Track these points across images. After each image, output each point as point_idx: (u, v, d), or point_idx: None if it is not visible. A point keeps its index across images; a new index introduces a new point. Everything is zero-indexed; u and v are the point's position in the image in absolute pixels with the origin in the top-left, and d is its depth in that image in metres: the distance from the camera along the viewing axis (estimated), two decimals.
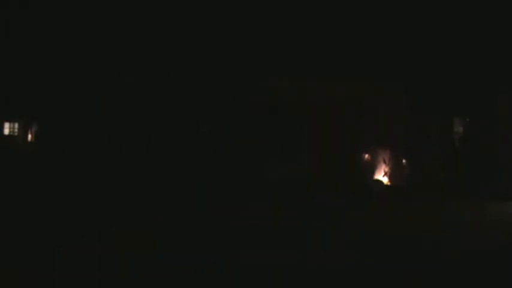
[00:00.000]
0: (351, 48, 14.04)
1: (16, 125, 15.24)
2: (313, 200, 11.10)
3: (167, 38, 14.10)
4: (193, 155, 13.82)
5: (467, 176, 12.89)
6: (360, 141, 14.89)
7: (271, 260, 5.94)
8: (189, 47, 14.08)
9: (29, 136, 15.26)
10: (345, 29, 14.25)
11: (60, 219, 8.13)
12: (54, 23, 13.83)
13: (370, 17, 14.22)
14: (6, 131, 15.17)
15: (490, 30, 12.76)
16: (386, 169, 12.20)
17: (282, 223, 8.64)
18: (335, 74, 14.30)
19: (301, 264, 5.90)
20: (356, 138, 15.33)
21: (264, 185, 12.32)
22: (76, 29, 13.83)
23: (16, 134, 15.22)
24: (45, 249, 6.17)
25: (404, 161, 12.61)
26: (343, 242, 7.27)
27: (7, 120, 15.11)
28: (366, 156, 12.70)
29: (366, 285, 5.28)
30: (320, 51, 14.11)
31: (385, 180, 12.19)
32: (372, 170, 12.36)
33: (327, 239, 7.38)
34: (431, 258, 6.36)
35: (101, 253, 6.04)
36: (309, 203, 10.84)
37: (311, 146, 14.79)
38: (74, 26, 13.86)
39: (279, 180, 12.95)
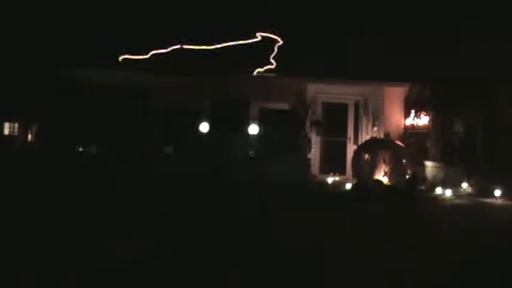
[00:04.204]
0: (352, 49, 14.06)
1: (16, 125, 15.24)
2: None
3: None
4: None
5: (468, 175, 12.88)
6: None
7: None
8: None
9: (29, 136, 15.27)
10: (347, 29, 14.28)
11: (60, 219, 8.12)
12: (54, 22, 13.83)
13: (369, 17, 14.23)
14: (6, 131, 15.17)
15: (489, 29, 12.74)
16: (387, 169, 12.18)
17: None
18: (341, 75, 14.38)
19: None
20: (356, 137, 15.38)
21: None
22: (75, 29, 13.84)
23: (16, 134, 15.23)
24: (45, 250, 6.17)
25: (404, 161, 12.59)
26: None
27: (7, 120, 15.12)
28: (366, 156, 12.67)
29: None
30: (322, 52, 14.15)
31: (385, 180, 12.17)
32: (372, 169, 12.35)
33: None
34: None
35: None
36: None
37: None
38: (74, 26, 13.87)
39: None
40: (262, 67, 14.50)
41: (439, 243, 7.38)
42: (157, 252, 6.36)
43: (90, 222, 7.93)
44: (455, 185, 12.55)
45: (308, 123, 14.76)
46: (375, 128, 15.00)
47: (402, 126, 15.09)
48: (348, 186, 12.90)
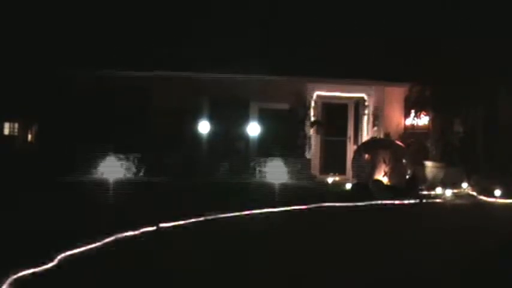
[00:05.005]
0: (353, 50, 14.07)
1: (16, 125, 15.24)
2: None
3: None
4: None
5: (468, 175, 12.88)
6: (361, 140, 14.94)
7: None
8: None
9: (29, 136, 15.26)
10: (349, 30, 14.30)
11: (59, 220, 8.13)
12: (54, 23, 13.83)
13: (369, 17, 14.24)
14: (6, 131, 15.17)
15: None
16: (387, 169, 12.17)
17: None
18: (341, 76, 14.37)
19: None
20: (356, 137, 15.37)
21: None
22: (76, 29, 13.84)
23: (16, 134, 15.22)
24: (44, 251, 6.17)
25: (404, 161, 12.58)
26: None
27: (7, 120, 15.12)
28: (366, 156, 12.66)
29: None
30: (326, 52, 14.17)
31: (385, 180, 12.16)
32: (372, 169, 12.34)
33: None
34: None
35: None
36: None
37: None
38: (74, 26, 13.87)
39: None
40: None
41: (439, 243, 7.38)
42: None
43: (88, 222, 7.94)
44: (455, 185, 12.55)
45: (308, 123, 14.77)
46: (375, 128, 15.00)
47: (402, 126, 15.10)
48: (348, 186, 12.90)
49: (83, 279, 5.34)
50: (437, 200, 11.60)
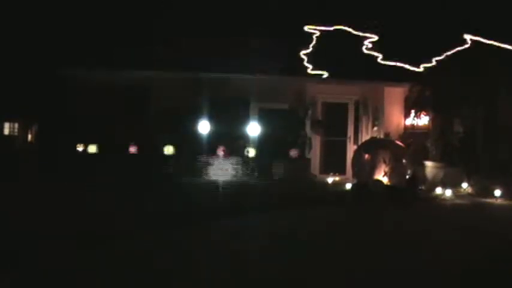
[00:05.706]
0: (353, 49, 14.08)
1: (16, 125, 15.26)
2: None
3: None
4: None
5: (468, 175, 12.87)
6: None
7: None
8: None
9: (29, 136, 15.28)
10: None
11: (60, 221, 8.13)
12: (53, 23, 13.84)
13: (368, 17, 14.24)
14: (6, 131, 15.19)
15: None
16: (387, 169, 12.17)
17: None
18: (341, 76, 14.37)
19: None
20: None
21: None
22: (75, 29, 13.85)
23: (16, 134, 15.24)
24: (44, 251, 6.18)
25: (404, 161, 12.58)
26: None
27: (7, 120, 15.13)
28: (366, 156, 12.66)
29: None
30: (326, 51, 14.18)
31: (385, 180, 12.16)
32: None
33: None
34: None
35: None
36: None
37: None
38: (74, 26, 13.88)
39: None
40: None
41: (439, 243, 7.38)
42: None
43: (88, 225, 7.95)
44: (455, 185, 12.55)
45: (308, 123, 14.77)
46: (375, 128, 15.00)
47: (402, 126, 15.08)
48: (348, 186, 12.90)
49: None
50: (437, 200, 11.60)
